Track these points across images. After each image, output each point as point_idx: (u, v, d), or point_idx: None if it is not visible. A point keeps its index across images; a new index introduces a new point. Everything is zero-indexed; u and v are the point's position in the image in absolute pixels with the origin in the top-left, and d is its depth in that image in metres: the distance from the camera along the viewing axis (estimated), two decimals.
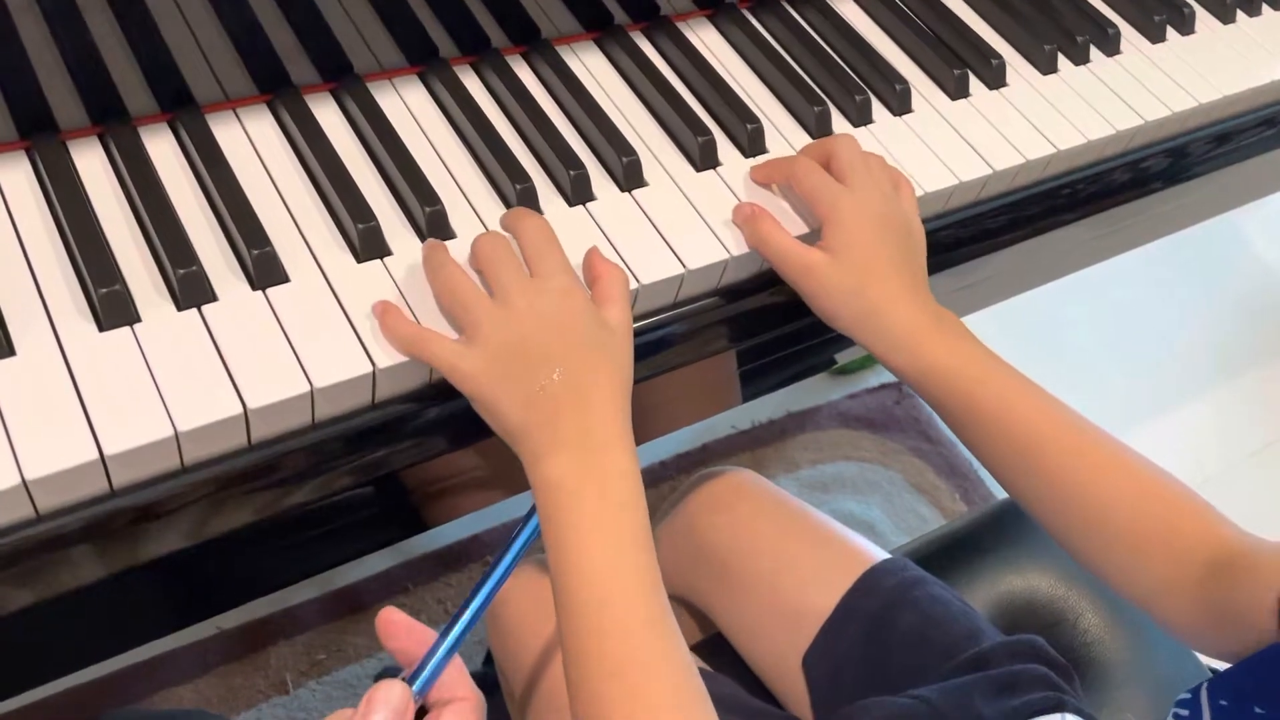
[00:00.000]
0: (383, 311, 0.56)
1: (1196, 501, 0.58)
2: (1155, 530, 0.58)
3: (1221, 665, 0.85)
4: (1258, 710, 0.49)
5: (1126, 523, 0.58)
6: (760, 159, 0.70)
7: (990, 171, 0.72)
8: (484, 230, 0.62)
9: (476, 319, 0.54)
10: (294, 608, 1.26)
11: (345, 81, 0.66)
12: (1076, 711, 0.67)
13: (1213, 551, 0.56)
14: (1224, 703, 0.51)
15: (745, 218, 0.65)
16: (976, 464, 1.55)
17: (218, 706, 1.19)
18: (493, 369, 0.53)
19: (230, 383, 0.52)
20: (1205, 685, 0.53)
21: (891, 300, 0.62)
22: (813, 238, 0.66)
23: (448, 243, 0.60)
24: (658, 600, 0.52)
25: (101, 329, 0.53)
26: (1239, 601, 0.53)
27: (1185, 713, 0.53)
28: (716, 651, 0.83)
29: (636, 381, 0.57)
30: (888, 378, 1.61)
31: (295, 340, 0.54)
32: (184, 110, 0.61)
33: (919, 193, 0.69)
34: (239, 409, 0.51)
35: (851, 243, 0.62)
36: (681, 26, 0.76)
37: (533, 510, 0.55)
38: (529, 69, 0.71)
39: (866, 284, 0.62)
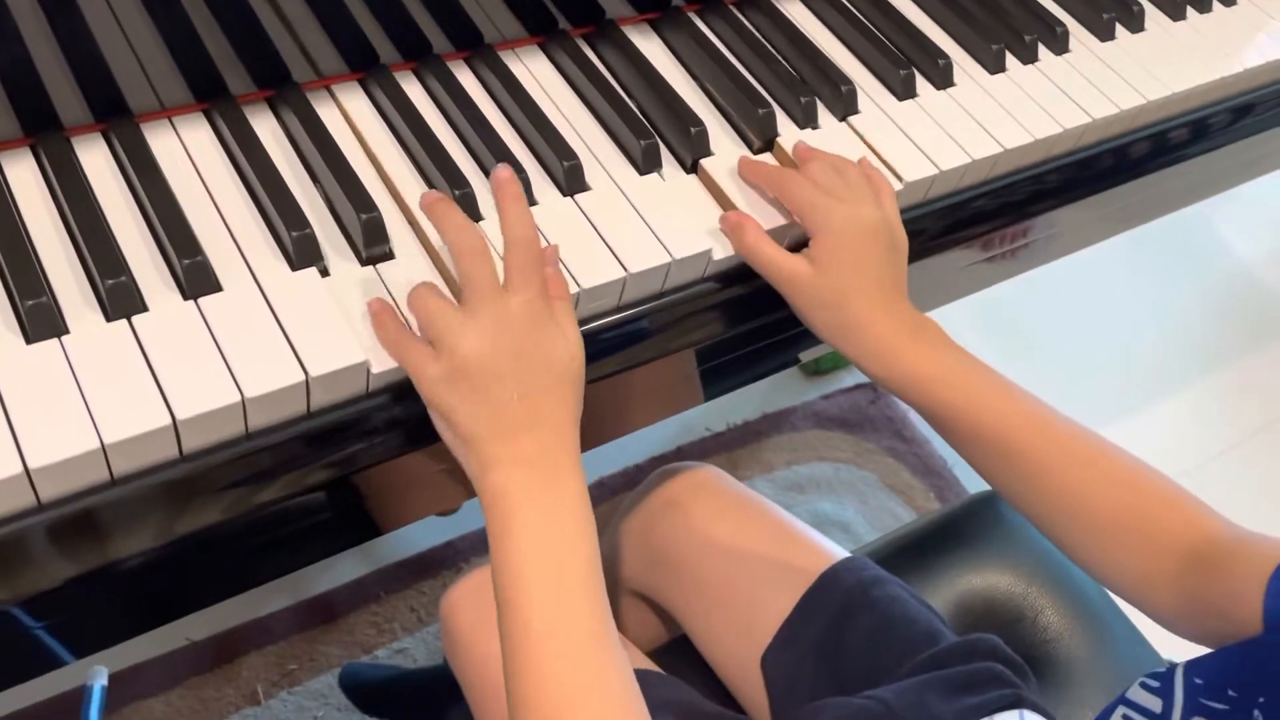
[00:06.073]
0: (378, 310, 0.56)
1: (1176, 492, 0.58)
2: (1133, 521, 0.58)
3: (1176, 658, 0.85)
4: (1230, 693, 0.49)
5: (1105, 514, 0.59)
6: (704, 160, 0.70)
7: (936, 172, 0.72)
8: (420, 247, 0.61)
9: (440, 330, 0.54)
10: (265, 618, 1.25)
11: (282, 89, 0.65)
12: (1034, 708, 0.67)
13: (1193, 542, 0.55)
14: (1199, 681, 0.51)
15: (732, 226, 0.66)
16: (951, 463, 1.55)
17: (189, 718, 1.18)
18: (452, 380, 0.54)
19: (159, 393, 0.52)
20: (1181, 665, 0.53)
21: (870, 315, 0.63)
22: (793, 228, 0.67)
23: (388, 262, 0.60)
24: (601, 617, 0.53)
25: (29, 341, 0.52)
26: (1219, 593, 0.53)
27: (1156, 684, 0.53)
28: (679, 655, 0.83)
29: (596, 380, 0.57)
30: (863, 378, 1.60)
31: (226, 350, 0.54)
32: (118, 119, 0.61)
33: None
34: (168, 420, 0.51)
35: (837, 257, 0.64)
36: (627, 30, 0.76)
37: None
38: (472, 74, 0.71)
39: (846, 300, 0.64)
